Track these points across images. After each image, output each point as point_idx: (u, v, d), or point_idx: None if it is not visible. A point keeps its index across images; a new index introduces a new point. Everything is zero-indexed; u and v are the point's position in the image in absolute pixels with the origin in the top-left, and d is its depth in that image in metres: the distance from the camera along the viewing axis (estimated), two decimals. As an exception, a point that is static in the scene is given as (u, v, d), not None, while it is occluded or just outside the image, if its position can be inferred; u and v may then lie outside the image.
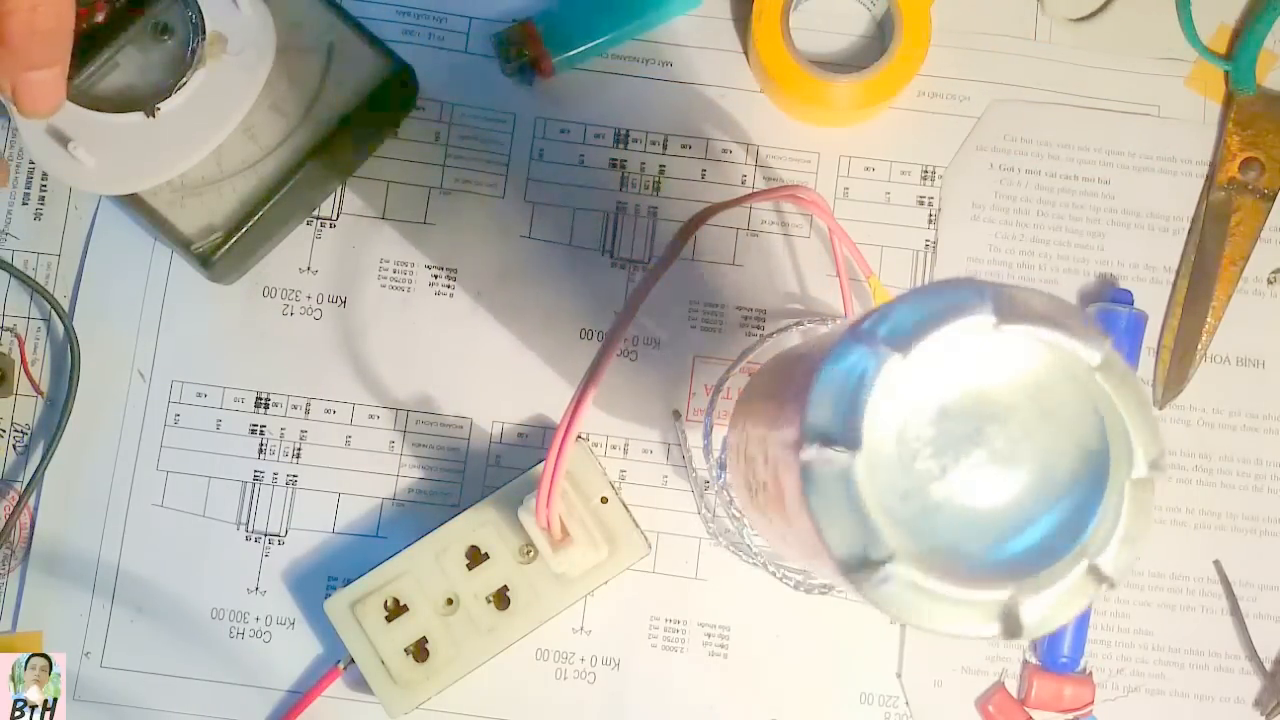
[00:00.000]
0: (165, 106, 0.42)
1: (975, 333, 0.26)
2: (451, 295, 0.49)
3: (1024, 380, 0.27)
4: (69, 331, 0.47)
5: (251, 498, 0.48)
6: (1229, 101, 0.50)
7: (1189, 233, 0.50)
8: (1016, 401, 0.27)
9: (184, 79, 0.43)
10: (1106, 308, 0.48)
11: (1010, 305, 0.26)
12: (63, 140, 0.42)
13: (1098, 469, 0.27)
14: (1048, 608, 0.26)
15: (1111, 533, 0.26)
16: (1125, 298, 0.48)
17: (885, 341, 0.26)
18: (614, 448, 0.48)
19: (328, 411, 0.48)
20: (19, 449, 0.48)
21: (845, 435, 0.26)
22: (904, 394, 0.27)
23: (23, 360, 0.48)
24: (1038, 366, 0.27)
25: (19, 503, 0.47)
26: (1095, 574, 0.26)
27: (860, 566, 0.26)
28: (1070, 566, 0.26)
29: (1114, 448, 0.27)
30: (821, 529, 0.26)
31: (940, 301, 0.26)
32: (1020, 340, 0.26)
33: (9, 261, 0.48)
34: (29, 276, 0.48)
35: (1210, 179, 0.50)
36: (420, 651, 0.45)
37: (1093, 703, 0.46)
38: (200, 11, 0.43)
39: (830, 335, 0.29)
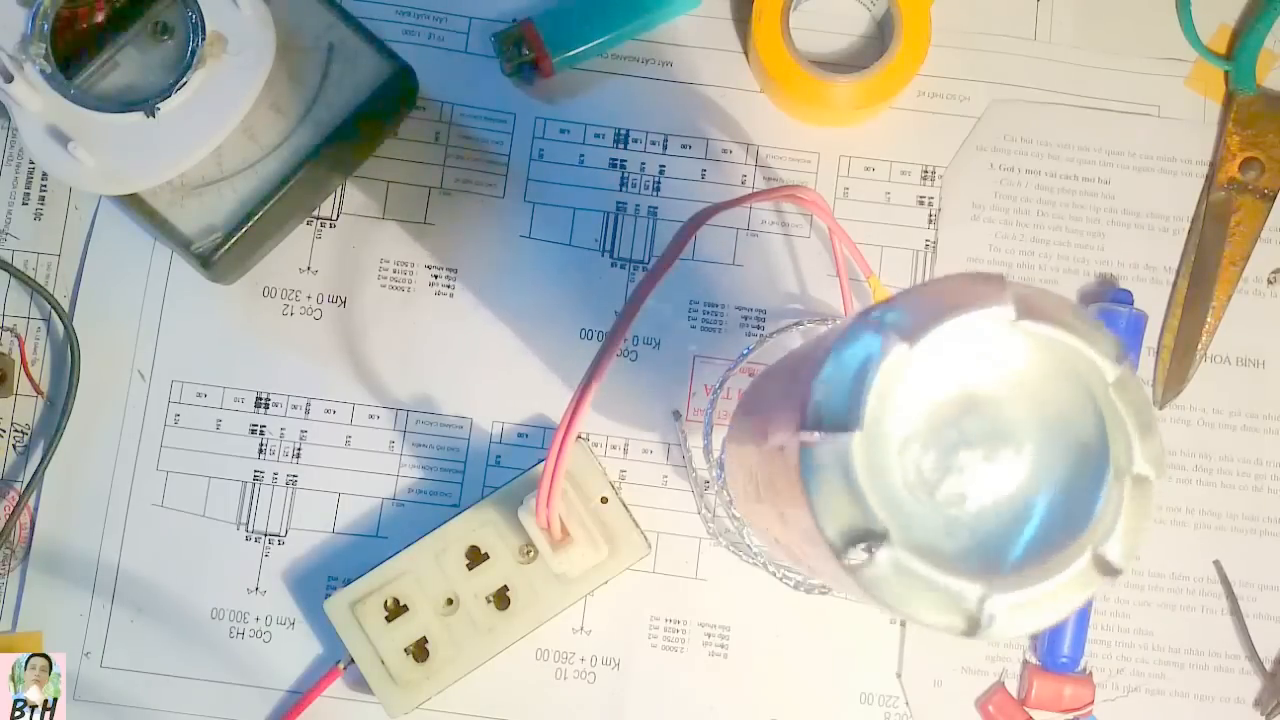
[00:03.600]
0: (165, 106, 0.42)
1: (993, 325, 0.26)
2: (451, 295, 0.49)
3: (1027, 378, 0.27)
4: (69, 331, 0.47)
5: (251, 498, 0.48)
6: (1229, 101, 0.50)
7: (1189, 233, 0.50)
8: (1019, 399, 0.27)
9: (184, 79, 0.42)
10: (1106, 308, 0.48)
11: (1029, 304, 0.26)
12: (63, 140, 0.42)
13: (1097, 466, 0.27)
14: (1049, 599, 0.26)
15: (1114, 525, 0.27)
16: (1125, 298, 0.48)
17: (894, 328, 0.26)
18: (614, 448, 0.48)
19: (328, 411, 0.48)
20: (19, 449, 0.48)
21: (846, 417, 0.26)
22: (907, 387, 0.27)
23: (23, 360, 0.48)
24: (1044, 366, 0.27)
25: (19, 503, 0.47)
26: (1100, 563, 0.26)
27: (851, 545, 0.26)
28: (1074, 556, 0.26)
29: (1114, 447, 0.27)
30: (816, 508, 0.26)
31: (960, 292, 0.26)
32: (1031, 340, 0.27)
33: (9, 261, 0.48)
34: (29, 276, 0.48)
35: (1210, 179, 0.50)
36: (420, 651, 0.45)
37: (1093, 703, 0.46)
38: (200, 11, 0.43)
39: (840, 326, 0.29)
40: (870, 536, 0.26)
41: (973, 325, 0.26)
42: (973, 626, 0.26)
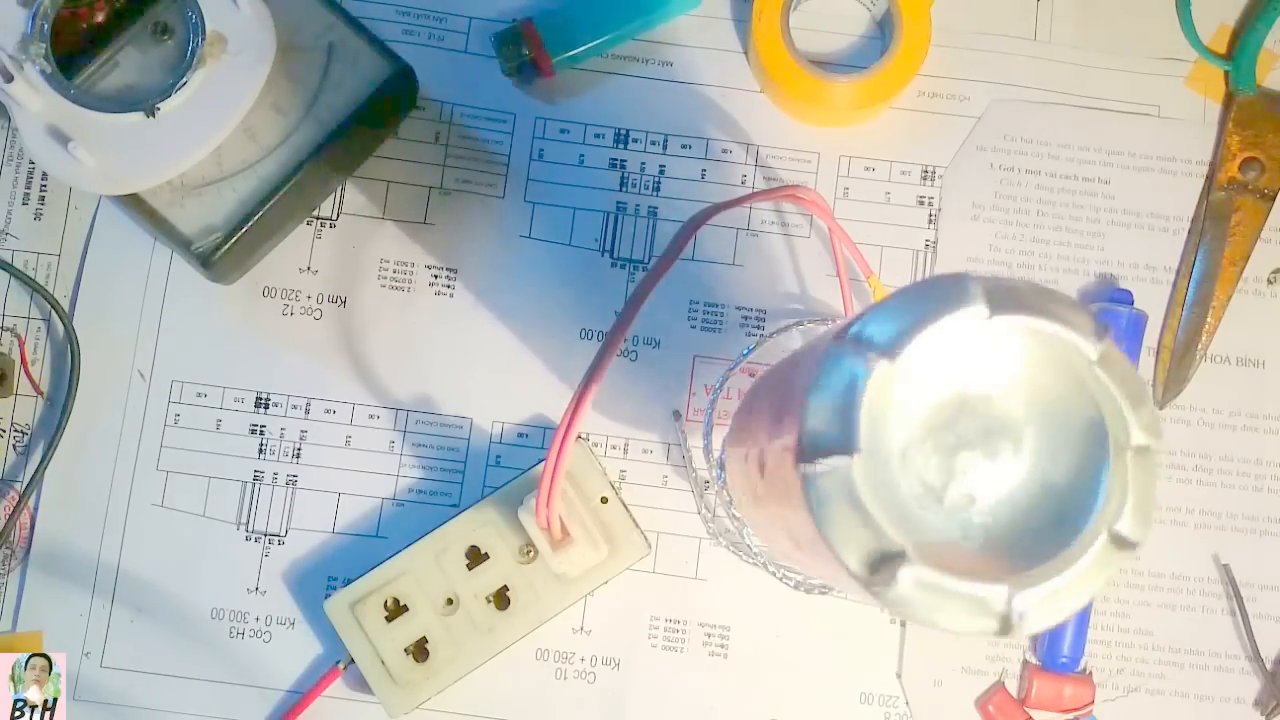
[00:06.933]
0: (165, 106, 0.42)
1: (968, 325, 0.26)
2: (451, 295, 0.49)
3: (1017, 370, 0.27)
4: (69, 331, 0.47)
5: (251, 498, 0.48)
6: (1229, 101, 0.50)
7: (1189, 233, 0.50)
8: (1012, 392, 0.27)
9: (184, 79, 0.43)
10: (1106, 308, 0.48)
11: (1002, 296, 0.26)
12: (63, 140, 0.42)
13: (1098, 445, 0.27)
14: (1073, 585, 0.26)
15: (1123, 503, 0.26)
16: (1125, 298, 0.48)
17: (872, 348, 0.26)
18: (614, 448, 0.48)
19: (328, 411, 0.48)
20: (19, 449, 0.48)
21: (843, 441, 0.26)
22: (898, 394, 0.27)
23: (23, 360, 0.48)
24: (1030, 356, 0.27)
25: (19, 503, 0.47)
26: (1118, 540, 0.26)
27: (875, 572, 0.25)
28: (1092, 539, 0.26)
29: (1112, 428, 0.27)
30: (831, 540, 0.26)
31: (930, 298, 0.26)
32: (1012, 331, 0.26)
33: (9, 261, 0.48)
34: (29, 276, 0.48)
35: (1210, 179, 0.50)
36: (420, 651, 0.45)
37: (1093, 703, 0.46)
38: (200, 11, 0.43)
39: (822, 339, 0.29)
40: (888, 558, 0.25)
41: (949, 329, 0.26)
42: (1005, 627, 0.26)
